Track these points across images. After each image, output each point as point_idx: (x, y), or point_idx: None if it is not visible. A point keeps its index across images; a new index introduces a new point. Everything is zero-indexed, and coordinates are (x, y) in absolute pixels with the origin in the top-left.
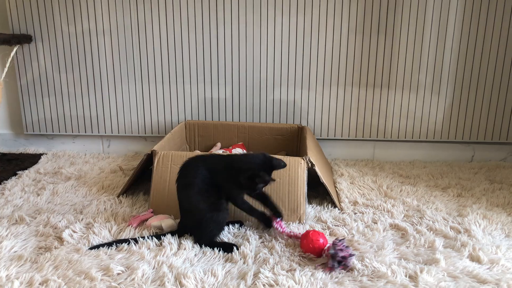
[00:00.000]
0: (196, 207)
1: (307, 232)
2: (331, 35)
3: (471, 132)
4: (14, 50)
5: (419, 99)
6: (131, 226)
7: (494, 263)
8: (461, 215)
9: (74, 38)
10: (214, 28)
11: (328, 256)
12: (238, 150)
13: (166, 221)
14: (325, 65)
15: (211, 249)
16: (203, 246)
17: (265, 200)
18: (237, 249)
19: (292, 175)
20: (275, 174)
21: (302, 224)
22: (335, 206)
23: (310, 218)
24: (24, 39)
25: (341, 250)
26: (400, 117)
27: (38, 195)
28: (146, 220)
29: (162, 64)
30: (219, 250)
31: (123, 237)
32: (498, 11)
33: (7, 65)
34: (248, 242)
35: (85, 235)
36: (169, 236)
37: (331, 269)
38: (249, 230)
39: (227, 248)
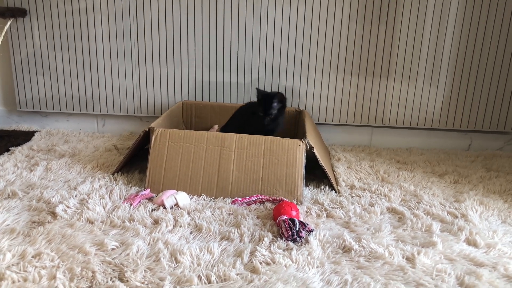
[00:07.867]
0: None
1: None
2: (331, 23)
3: (469, 121)
4: (8, 23)
5: (417, 88)
6: (129, 205)
7: (491, 247)
8: (458, 201)
9: (70, 15)
10: (213, 11)
11: (286, 223)
12: None
13: (181, 197)
14: (325, 52)
15: None
16: None
17: None
18: None
19: (290, 157)
20: (274, 155)
21: (299, 205)
22: (332, 189)
23: (307, 200)
24: (18, 12)
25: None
26: (398, 105)
27: (31, 171)
28: (149, 199)
29: (159, 45)
30: None
31: (118, 214)
32: (497, 0)
33: (1, 39)
34: (246, 220)
35: (79, 210)
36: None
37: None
38: (246, 209)
39: None
